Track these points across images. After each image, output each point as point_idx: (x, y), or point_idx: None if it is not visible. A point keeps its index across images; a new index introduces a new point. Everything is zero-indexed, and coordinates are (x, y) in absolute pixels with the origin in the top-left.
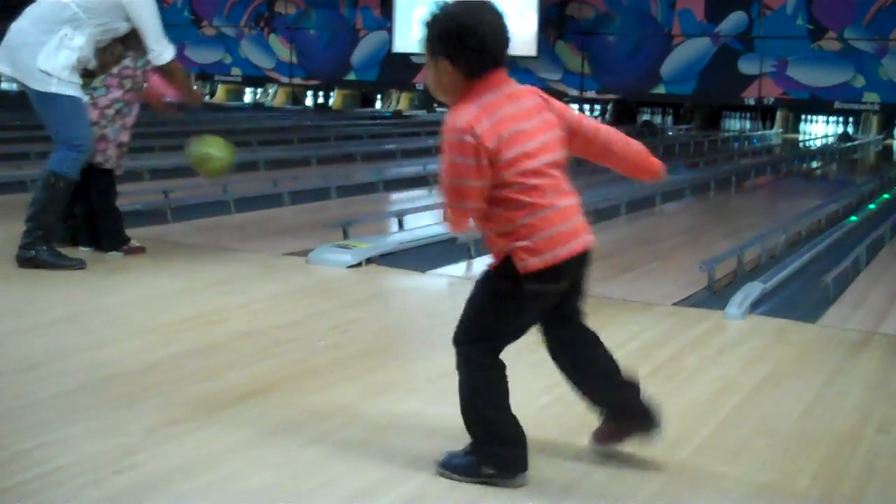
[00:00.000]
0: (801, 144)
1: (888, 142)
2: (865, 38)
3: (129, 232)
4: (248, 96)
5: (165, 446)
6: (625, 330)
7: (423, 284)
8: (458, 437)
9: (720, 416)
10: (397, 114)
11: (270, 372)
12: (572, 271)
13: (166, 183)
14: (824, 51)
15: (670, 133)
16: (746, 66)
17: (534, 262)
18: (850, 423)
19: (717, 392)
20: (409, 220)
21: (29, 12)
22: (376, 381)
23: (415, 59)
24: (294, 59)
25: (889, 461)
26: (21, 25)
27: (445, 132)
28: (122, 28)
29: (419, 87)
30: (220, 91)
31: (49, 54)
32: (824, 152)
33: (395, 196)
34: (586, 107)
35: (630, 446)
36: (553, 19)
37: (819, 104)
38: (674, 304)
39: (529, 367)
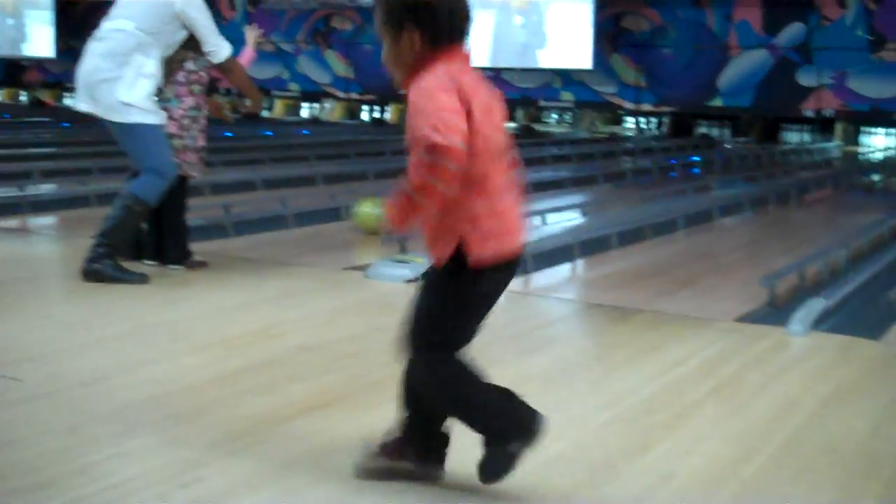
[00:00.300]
0: (861, 157)
1: None
2: None
3: (191, 246)
4: (305, 111)
5: (228, 460)
6: (685, 347)
7: None
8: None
9: (783, 434)
10: None
11: (331, 387)
12: (517, 266)
13: (227, 198)
14: (885, 62)
15: (728, 146)
16: (805, 78)
17: (486, 255)
18: None
19: (780, 410)
20: None
21: (95, 50)
22: None
23: None
24: (350, 75)
25: None
26: (94, 63)
27: (418, 88)
28: (181, 38)
29: None
30: (278, 106)
31: (128, 86)
32: (885, 165)
33: None
34: (642, 120)
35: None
36: (608, 32)
37: (880, 116)
38: (735, 321)
39: (587, 384)
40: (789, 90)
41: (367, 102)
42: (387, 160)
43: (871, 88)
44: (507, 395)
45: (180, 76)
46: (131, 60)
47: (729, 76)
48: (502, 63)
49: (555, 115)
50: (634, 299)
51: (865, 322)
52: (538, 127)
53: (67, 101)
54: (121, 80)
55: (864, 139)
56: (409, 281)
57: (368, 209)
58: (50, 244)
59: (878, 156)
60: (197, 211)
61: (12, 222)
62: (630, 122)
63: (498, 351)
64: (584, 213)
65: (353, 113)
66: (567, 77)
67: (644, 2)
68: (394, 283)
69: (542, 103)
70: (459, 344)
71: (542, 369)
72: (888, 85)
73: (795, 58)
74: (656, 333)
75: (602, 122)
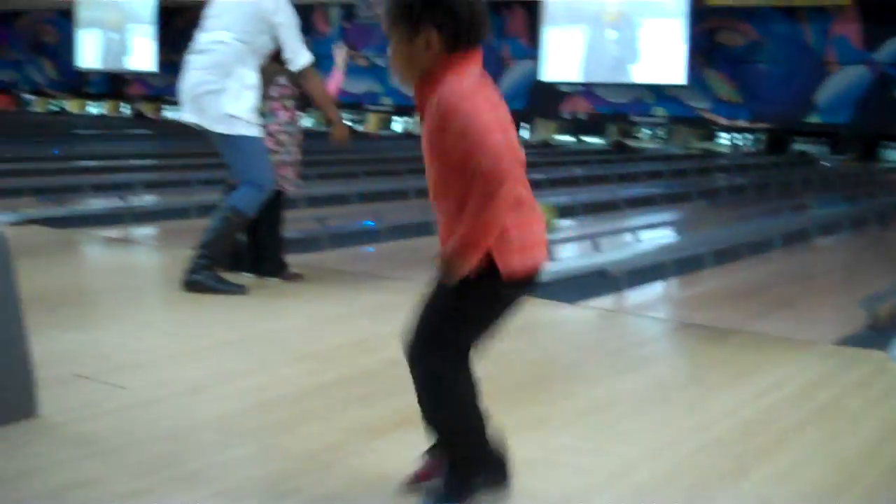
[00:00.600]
0: None
1: None
2: None
3: (287, 258)
4: (397, 125)
5: (325, 471)
6: (783, 369)
7: (573, 316)
8: (610, 476)
9: (885, 462)
10: (544, 143)
11: None
12: (537, 281)
13: (322, 211)
14: None
15: (826, 164)
16: None
17: (516, 265)
18: None
19: (882, 436)
20: (558, 251)
21: (197, 62)
22: (528, 415)
23: (563, 88)
24: None
25: None
26: (197, 76)
27: (448, 94)
28: (270, 46)
29: (566, 115)
30: (372, 120)
31: (233, 98)
32: None
33: None
34: (737, 136)
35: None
36: (702, 47)
37: None
38: (834, 344)
39: (683, 406)
40: (890, 107)
41: None
42: None
43: None
44: (492, 434)
45: (273, 91)
46: (234, 72)
47: (827, 92)
48: (594, 78)
49: (647, 131)
50: (730, 320)
51: None
52: (630, 142)
53: (168, 114)
54: (225, 93)
55: None
56: None
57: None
58: (151, 254)
59: None
60: (293, 223)
61: (115, 232)
62: (724, 138)
63: (590, 369)
64: (678, 231)
65: None
66: (660, 92)
67: (739, 17)
68: None
69: (634, 118)
70: (467, 351)
71: (635, 389)
72: None
73: None
74: (753, 355)
75: (696, 138)
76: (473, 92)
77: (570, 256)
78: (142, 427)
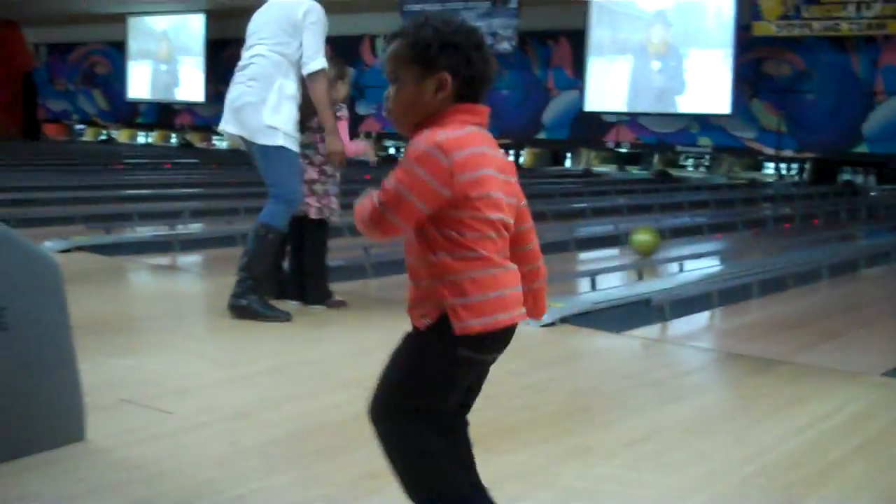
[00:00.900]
0: None
1: None
2: None
3: (331, 286)
4: None
5: (368, 499)
6: (830, 401)
7: (617, 346)
8: None
9: None
10: (587, 172)
11: None
12: (503, 343)
13: (366, 239)
14: None
15: (873, 194)
16: None
17: (473, 325)
18: None
19: None
20: (602, 280)
21: (239, 77)
22: (571, 444)
23: (607, 118)
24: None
25: None
26: (239, 89)
27: (417, 143)
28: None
29: (610, 145)
30: None
31: (273, 110)
32: None
33: (586, 255)
34: (783, 166)
35: None
36: (748, 77)
37: None
38: (882, 375)
39: (729, 436)
40: None
41: (502, 146)
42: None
43: None
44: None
45: (315, 123)
46: (273, 83)
47: (875, 122)
48: (639, 108)
49: (692, 161)
50: (776, 350)
51: None
52: (674, 172)
53: (216, 144)
54: (265, 104)
55: None
56: (544, 325)
57: (643, 236)
58: (197, 281)
59: None
60: (337, 252)
61: (163, 259)
62: (770, 167)
63: (634, 398)
64: (723, 261)
65: None
66: (705, 122)
67: (786, 47)
68: (529, 327)
69: (679, 148)
70: (434, 414)
71: (681, 419)
72: None
73: None
74: (800, 386)
75: (741, 167)
76: (449, 146)
77: (613, 286)
78: (187, 452)
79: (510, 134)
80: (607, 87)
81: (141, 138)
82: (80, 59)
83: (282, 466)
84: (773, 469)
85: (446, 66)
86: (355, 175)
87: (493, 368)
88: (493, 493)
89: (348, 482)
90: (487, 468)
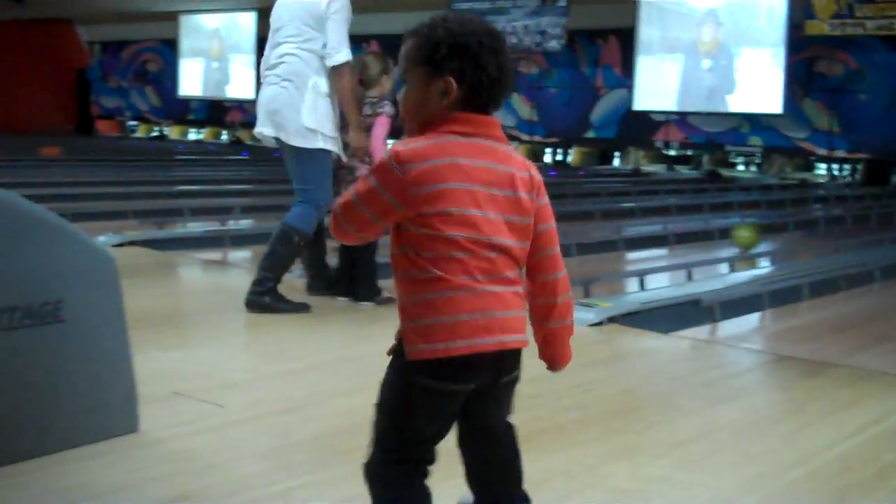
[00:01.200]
0: None
1: None
2: None
3: (380, 283)
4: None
5: None
6: (883, 404)
7: (666, 346)
8: None
9: None
10: (636, 171)
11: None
12: (478, 374)
13: None
14: None
15: None
16: None
17: (422, 350)
18: None
19: None
20: (651, 280)
21: (275, 75)
22: (620, 444)
23: (656, 117)
24: (534, 118)
25: None
26: (273, 90)
27: (391, 150)
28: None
29: (658, 144)
30: None
31: (310, 110)
32: None
33: (635, 255)
34: (835, 167)
35: None
36: (800, 76)
37: None
38: None
39: (780, 438)
40: None
41: (550, 145)
42: (570, 202)
43: None
44: None
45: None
46: (307, 82)
47: None
48: (689, 107)
49: (742, 160)
50: (828, 353)
51: None
52: (724, 172)
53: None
54: (303, 104)
55: None
56: (593, 324)
57: (746, 232)
58: (247, 277)
59: None
60: (386, 249)
61: (214, 255)
62: (822, 168)
63: (683, 399)
64: (773, 262)
65: (537, 155)
66: (755, 122)
67: (838, 46)
68: (577, 326)
69: (729, 148)
70: (402, 448)
71: (731, 421)
72: None
73: None
74: (852, 389)
75: (792, 168)
76: (406, 157)
77: (662, 286)
78: (238, 445)
79: (559, 133)
80: (656, 86)
81: (192, 135)
82: (132, 56)
83: (331, 461)
84: (824, 472)
85: (453, 69)
86: None
87: (539, 367)
88: (542, 491)
89: None
90: (536, 466)
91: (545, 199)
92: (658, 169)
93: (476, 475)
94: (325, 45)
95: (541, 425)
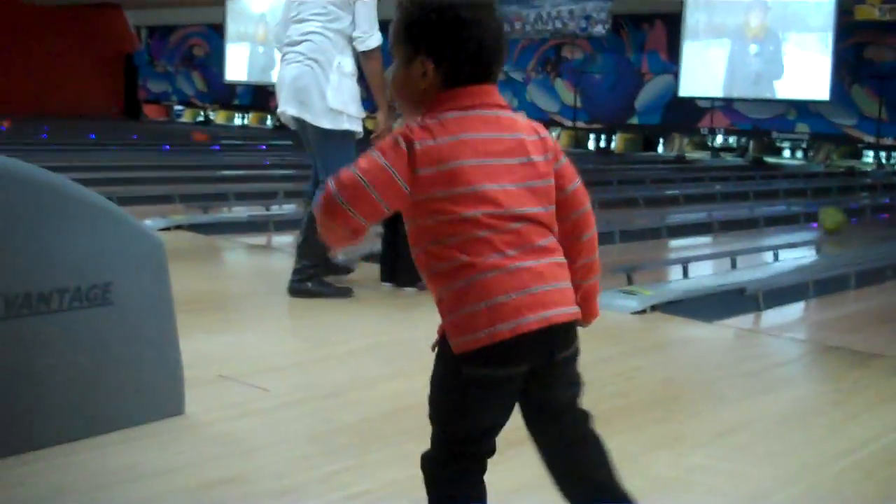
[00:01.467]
0: None
1: None
2: None
3: None
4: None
5: None
6: None
7: (709, 335)
8: (747, 498)
9: None
10: (680, 158)
11: None
12: (531, 352)
13: None
14: None
15: None
16: None
17: (467, 340)
18: None
19: None
20: (694, 268)
21: (298, 53)
22: (662, 432)
23: (701, 104)
24: (578, 103)
25: None
26: (298, 69)
27: (392, 134)
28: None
29: (704, 131)
30: None
31: (336, 91)
32: None
33: (678, 242)
34: (882, 154)
35: None
36: (848, 63)
37: None
38: None
39: (824, 429)
40: None
41: (593, 131)
42: (614, 189)
43: None
44: None
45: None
46: (332, 62)
47: None
48: (735, 93)
49: (789, 147)
50: (874, 343)
51: None
52: (770, 159)
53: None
54: (328, 85)
55: None
56: (636, 312)
57: (832, 215)
58: (290, 261)
59: None
60: None
61: (259, 239)
62: (869, 156)
63: (726, 388)
64: (819, 251)
65: (580, 141)
66: (802, 108)
67: (888, 31)
68: (621, 314)
69: (776, 135)
70: (456, 443)
71: (775, 411)
72: None
73: None
74: None
75: (839, 155)
76: (411, 135)
77: (706, 274)
78: (282, 428)
79: (602, 119)
80: (702, 72)
81: (237, 120)
82: (179, 41)
83: (374, 445)
84: (869, 464)
85: (430, 48)
86: None
87: (584, 355)
88: None
89: None
90: None
91: (564, 158)
92: (702, 156)
93: (560, 479)
94: (351, 24)
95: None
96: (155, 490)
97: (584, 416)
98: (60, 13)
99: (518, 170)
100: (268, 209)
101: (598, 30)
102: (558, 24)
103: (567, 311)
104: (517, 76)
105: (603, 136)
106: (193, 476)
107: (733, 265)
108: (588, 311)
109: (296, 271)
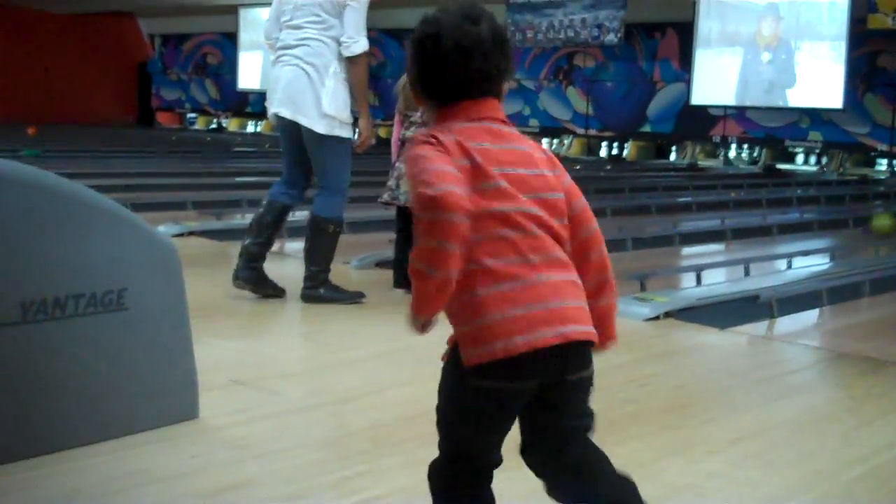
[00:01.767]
0: None
1: None
2: None
3: None
4: (544, 146)
5: None
6: None
7: (722, 342)
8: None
9: None
10: (692, 166)
11: None
12: (540, 370)
13: None
14: None
15: None
16: None
17: (477, 354)
18: None
19: None
20: (707, 275)
21: (294, 56)
22: (675, 439)
23: (713, 112)
24: (590, 111)
25: None
26: (294, 72)
27: (408, 157)
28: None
29: (716, 139)
30: None
31: (332, 96)
32: None
33: (691, 250)
34: (895, 162)
35: None
36: (861, 71)
37: None
38: None
39: (838, 437)
40: None
41: (605, 139)
42: (626, 197)
43: None
44: None
45: (419, 116)
46: (329, 68)
47: None
48: (747, 101)
49: (801, 155)
50: (888, 351)
51: None
52: (783, 167)
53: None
54: (324, 91)
55: None
56: (648, 319)
57: (884, 220)
58: (303, 267)
59: None
60: None
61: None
62: (882, 164)
63: (739, 395)
64: (833, 258)
65: (592, 149)
66: (816, 116)
67: None
68: (633, 321)
69: (788, 143)
70: (463, 454)
71: (788, 418)
72: None
73: None
74: None
75: (852, 163)
76: (432, 136)
77: (719, 282)
78: (295, 433)
79: (615, 127)
80: (715, 80)
81: (250, 127)
82: (193, 49)
83: (387, 450)
84: (883, 471)
85: (411, 66)
86: None
87: (598, 362)
88: None
89: None
90: None
91: (569, 178)
92: (714, 164)
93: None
94: (341, 31)
95: (598, 419)
96: (169, 494)
97: (595, 455)
98: (75, 22)
99: (531, 180)
100: None
101: (611, 38)
102: (570, 33)
103: (584, 329)
104: (529, 84)
105: (615, 144)
106: (207, 480)
107: (746, 272)
108: (603, 334)
109: (307, 278)
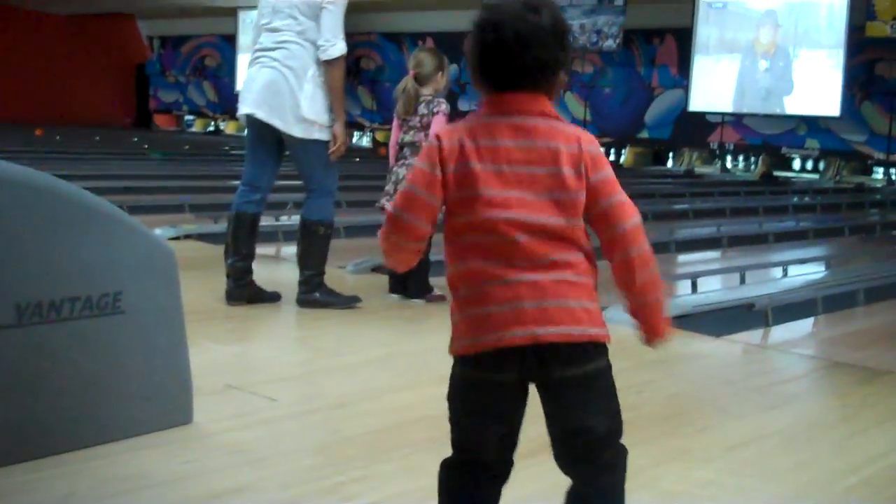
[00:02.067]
0: None
1: None
2: None
3: (431, 280)
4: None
5: None
6: None
7: (717, 350)
8: None
9: None
10: (689, 172)
11: None
12: (514, 365)
13: None
14: None
15: None
16: None
17: (455, 346)
18: None
19: None
20: (703, 283)
21: (271, 58)
22: (670, 447)
23: (710, 119)
24: (588, 117)
25: None
26: (272, 75)
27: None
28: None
29: (713, 146)
30: None
31: (310, 100)
32: None
33: (687, 257)
34: (893, 171)
35: None
36: (859, 79)
37: None
38: None
39: (832, 446)
40: None
41: (603, 145)
42: None
43: None
44: None
45: (417, 121)
46: (307, 71)
47: None
48: (745, 108)
49: (798, 163)
50: (883, 360)
51: None
52: (780, 174)
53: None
54: (302, 94)
55: None
56: None
57: None
58: (297, 271)
59: None
60: (437, 247)
61: (267, 249)
62: (879, 172)
63: (734, 404)
64: (828, 267)
65: None
66: (813, 124)
67: None
68: (630, 328)
69: (785, 150)
70: (460, 447)
71: (783, 427)
72: None
73: None
74: None
75: (849, 171)
76: (439, 134)
77: (714, 289)
78: (290, 439)
79: (613, 133)
80: (712, 87)
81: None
82: (191, 51)
83: (382, 456)
84: (878, 480)
85: (475, 56)
86: None
87: None
88: None
89: None
90: None
91: (603, 173)
92: (712, 170)
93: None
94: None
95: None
96: (163, 498)
97: (610, 461)
98: (73, 23)
99: (543, 179)
100: (277, 219)
101: (609, 44)
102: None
103: (564, 330)
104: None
105: (613, 150)
106: (201, 485)
107: (742, 280)
108: (647, 330)
109: (301, 283)
